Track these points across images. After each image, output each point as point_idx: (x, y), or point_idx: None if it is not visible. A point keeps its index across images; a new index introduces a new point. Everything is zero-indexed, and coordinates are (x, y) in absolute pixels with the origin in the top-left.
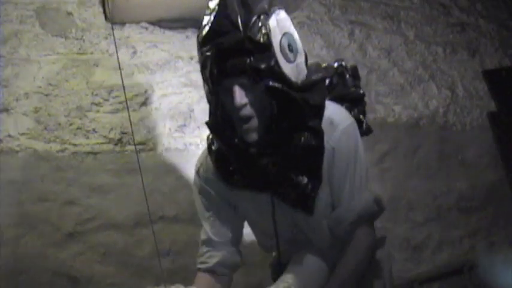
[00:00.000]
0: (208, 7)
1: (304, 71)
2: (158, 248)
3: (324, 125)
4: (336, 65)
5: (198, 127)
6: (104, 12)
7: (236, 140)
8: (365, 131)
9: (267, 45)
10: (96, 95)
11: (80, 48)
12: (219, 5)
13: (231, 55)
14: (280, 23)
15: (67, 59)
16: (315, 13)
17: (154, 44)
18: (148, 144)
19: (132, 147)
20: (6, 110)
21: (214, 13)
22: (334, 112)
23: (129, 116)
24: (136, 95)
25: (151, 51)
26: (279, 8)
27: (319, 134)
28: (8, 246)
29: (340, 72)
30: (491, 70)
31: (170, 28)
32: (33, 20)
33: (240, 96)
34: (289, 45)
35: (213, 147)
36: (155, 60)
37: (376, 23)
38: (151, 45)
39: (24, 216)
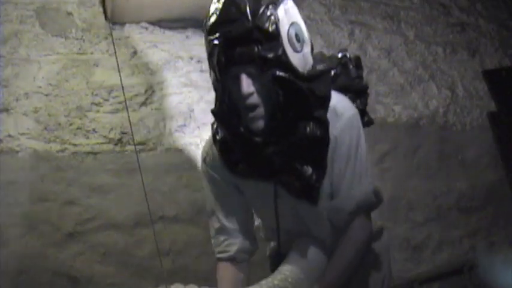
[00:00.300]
0: None
1: (311, 61)
2: (158, 248)
3: (329, 114)
4: (339, 55)
5: (198, 127)
6: (104, 12)
7: (241, 129)
8: (366, 122)
9: (275, 35)
10: (96, 95)
11: (80, 48)
12: None
13: (238, 44)
14: (288, 13)
15: (67, 59)
16: (315, 13)
17: (154, 44)
18: (148, 144)
19: (132, 147)
20: (6, 110)
21: (222, 1)
22: (338, 102)
23: (129, 116)
24: (136, 95)
25: (151, 51)
26: None
27: (324, 124)
28: (8, 246)
29: (343, 62)
30: (491, 70)
31: (170, 28)
32: (33, 20)
33: (247, 84)
34: (297, 35)
35: (217, 136)
36: (155, 60)
37: (376, 23)
38: (151, 45)
39: (24, 216)
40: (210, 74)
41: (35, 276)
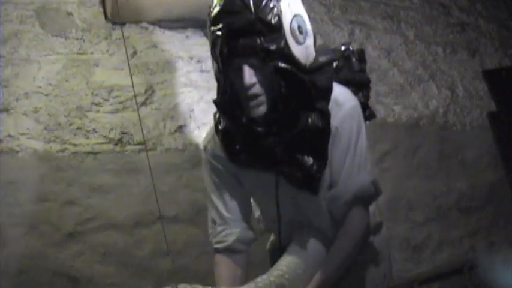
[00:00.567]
0: None
1: (313, 53)
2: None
3: (330, 105)
4: (342, 48)
5: (198, 127)
6: (104, 12)
7: (243, 119)
8: (368, 116)
9: (278, 27)
10: (96, 95)
11: (80, 48)
12: None
13: (241, 35)
14: (291, 5)
15: (67, 59)
16: (315, 13)
17: (154, 44)
18: (148, 144)
19: (132, 147)
20: (6, 110)
21: None
22: (340, 93)
23: (138, 112)
24: (136, 95)
25: (151, 51)
26: None
27: (325, 115)
28: (8, 246)
29: (346, 55)
30: (491, 70)
31: (170, 28)
32: (33, 20)
33: (249, 75)
34: (299, 27)
35: (219, 126)
36: (155, 60)
37: (376, 23)
38: (151, 45)
39: (24, 216)
40: (213, 65)
41: (35, 276)
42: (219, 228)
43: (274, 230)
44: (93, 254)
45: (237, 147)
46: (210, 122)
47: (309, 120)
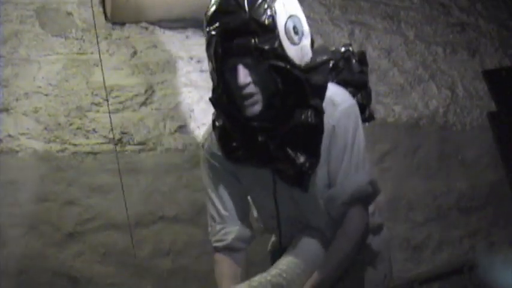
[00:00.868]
0: None
1: (309, 54)
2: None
3: (325, 104)
4: (343, 49)
5: (198, 127)
6: (104, 12)
7: (239, 116)
8: (367, 117)
9: (272, 27)
10: (96, 95)
11: (80, 48)
12: None
13: (236, 35)
14: (286, 5)
15: (67, 59)
16: (315, 13)
17: (154, 44)
18: (148, 144)
19: (132, 147)
20: (6, 110)
21: None
22: (336, 93)
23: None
24: (136, 95)
25: (151, 51)
26: None
27: (319, 113)
28: (8, 246)
29: (346, 56)
30: (491, 70)
31: (170, 28)
32: (33, 20)
33: (243, 75)
34: (295, 28)
35: (217, 123)
36: (155, 60)
37: (376, 23)
38: (151, 45)
39: (24, 216)
40: (208, 64)
41: (35, 276)
42: (218, 227)
43: (274, 228)
44: (93, 254)
45: (234, 144)
46: (210, 121)
47: (303, 116)
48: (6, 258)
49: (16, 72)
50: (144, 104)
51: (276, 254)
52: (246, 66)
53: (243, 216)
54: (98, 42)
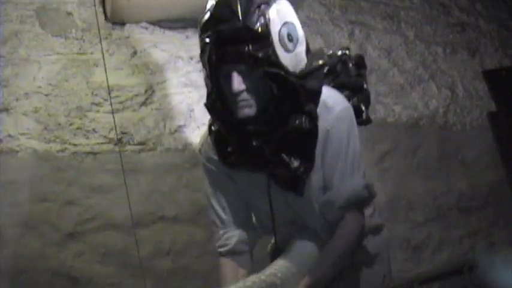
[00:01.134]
0: None
1: (304, 60)
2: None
3: (320, 109)
4: (340, 53)
5: (198, 127)
6: (104, 12)
7: (234, 122)
8: (364, 120)
9: (265, 35)
10: (96, 95)
11: (80, 48)
12: None
13: (229, 43)
14: (280, 13)
15: (67, 59)
16: (315, 13)
17: (154, 44)
18: (148, 144)
19: (132, 147)
20: (6, 110)
21: (216, 0)
22: (330, 96)
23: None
24: (136, 95)
25: (151, 51)
26: None
27: (313, 118)
28: (8, 246)
29: (343, 60)
30: (491, 70)
31: (170, 28)
32: (33, 20)
33: (238, 82)
34: (289, 35)
35: (213, 128)
36: (155, 60)
37: (376, 23)
38: (151, 45)
39: (24, 216)
40: (203, 71)
41: (35, 277)
42: (221, 232)
43: (270, 230)
44: (93, 254)
45: (229, 148)
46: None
47: (297, 121)
48: (6, 258)
49: (16, 72)
50: (144, 104)
51: (275, 256)
52: (240, 73)
53: (245, 218)
54: (101, 42)
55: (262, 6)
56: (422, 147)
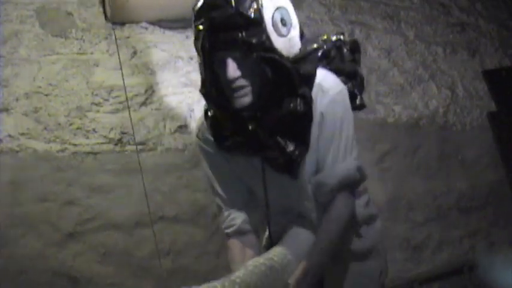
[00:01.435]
0: None
1: (298, 44)
2: (159, 248)
3: (315, 92)
4: (334, 38)
5: None
6: (104, 12)
7: (229, 107)
8: (358, 105)
9: (258, 20)
10: (96, 95)
11: (80, 48)
12: None
13: (222, 29)
14: None
15: (67, 59)
16: (315, 13)
17: (154, 44)
18: (148, 144)
19: (132, 147)
20: (6, 110)
21: None
22: (324, 79)
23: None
24: (136, 95)
25: (151, 51)
26: None
27: (308, 101)
28: (8, 246)
29: (338, 45)
30: (491, 70)
31: (170, 28)
32: (33, 20)
33: (232, 69)
34: (282, 20)
35: (209, 113)
36: (155, 60)
37: (376, 23)
38: (151, 45)
39: (24, 216)
40: (197, 58)
41: (35, 277)
42: (225, 213)
43: (264, 216)
44: (93, 254)
45: (225, 133)
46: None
47: (291, 105)
48: (6, 258)
49: (16, 72)
50: (144, 104)
51: (268, 246)
52: (235, 59)
53: (248, 199)
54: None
55: None
56: (422, 147)
